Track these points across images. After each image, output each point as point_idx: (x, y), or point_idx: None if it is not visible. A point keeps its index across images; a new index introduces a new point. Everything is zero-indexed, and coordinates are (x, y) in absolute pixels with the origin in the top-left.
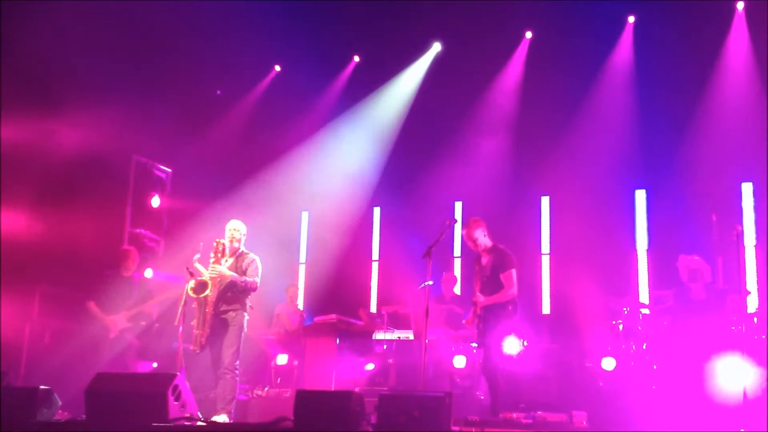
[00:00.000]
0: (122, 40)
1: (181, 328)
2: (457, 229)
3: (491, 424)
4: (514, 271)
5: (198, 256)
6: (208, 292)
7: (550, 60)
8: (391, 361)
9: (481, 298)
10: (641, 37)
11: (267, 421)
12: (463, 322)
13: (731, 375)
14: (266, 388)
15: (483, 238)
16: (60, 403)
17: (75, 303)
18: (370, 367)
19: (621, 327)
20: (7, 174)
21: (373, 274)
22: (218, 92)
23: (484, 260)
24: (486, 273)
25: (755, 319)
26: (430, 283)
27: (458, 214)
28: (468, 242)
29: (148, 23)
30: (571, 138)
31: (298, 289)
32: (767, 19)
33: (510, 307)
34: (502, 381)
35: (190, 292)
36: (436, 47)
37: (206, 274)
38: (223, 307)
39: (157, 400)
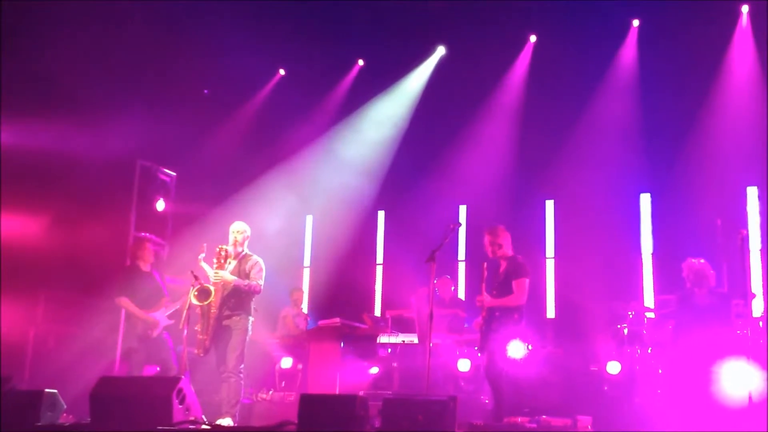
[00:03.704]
0: (127, 44)
1: (185, 331)
2: (462, 232)
3: (496, 429)
4: (527, 281)
5: (203, 255)
6: (211, 299)
7: (555, 64)
8: (395, 364)
9: (487, 299)
10: (646, 41)
11: (271, 425)
12: (466, 326)
13: (736, 379)
14: (270, 392)
15: (506, 247)
16: (65, 407)
17: (79, 307)
18: (374, 370)
19: (626, 331)
20: (13, 178)
21: (377, 278)
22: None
23: (501, 267)
24: (500, 279)
25: (760, 323)
26: (436, 291)
27: (463, 218)
28: (489, 247)
29: (153, 28)
30: (575, 142)
31: (303, 293)
32: None
33: (516, 315)
34: (506, 386)
35: (194, 300)
36: (440, 51)
37: (211, 276)
38: (227, 312)
39: (162, 404)
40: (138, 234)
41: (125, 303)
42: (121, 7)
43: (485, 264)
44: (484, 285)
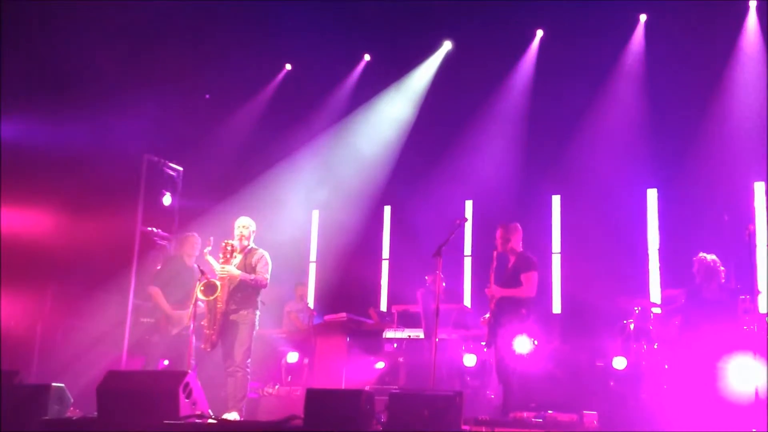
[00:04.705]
0: (133, 39)
1: (192, 325)
2: (468, 228)
3: (501, 424)
4: (536, 274)
5: (209, 248)
6: (217, 294)
7: (562, 59)
8: (401, 360)
9: (496, 289)
10: (653, 35)
11: (277, 420)
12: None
13: (743, 375)
14: (277, 387)
15: (516, 242)
16: (72, 400)
17: (87, 301)
18: (380, 365)
19: (632, 326)
20: (21, 172)
21: (383, 273)
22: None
23: (510, 262)
24: (508, 273)
25: (767, 319)
26: (443, 285)
27: (469, 213)
28: (500, 240)
29: (160, 22)
30: (582, 137)
31: (306, 286)
32: None
33: (524, 311)
34: (515, 381)
35: (200, 295)
36: (447, 46)
37: (217, 271)
38: (234, 307)
39: (169, 398)
40: (145, 228)
41: (155, 293)
42: (128, 1)
43: (495, 253)
44: (493, 275)
